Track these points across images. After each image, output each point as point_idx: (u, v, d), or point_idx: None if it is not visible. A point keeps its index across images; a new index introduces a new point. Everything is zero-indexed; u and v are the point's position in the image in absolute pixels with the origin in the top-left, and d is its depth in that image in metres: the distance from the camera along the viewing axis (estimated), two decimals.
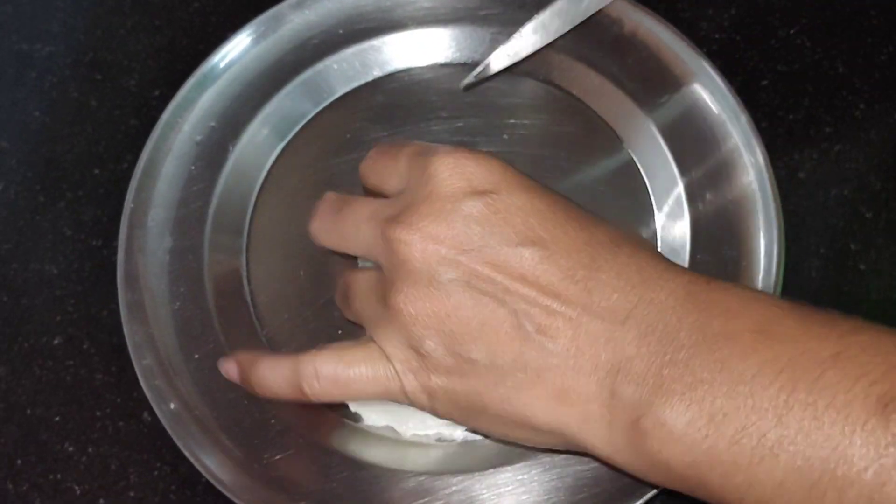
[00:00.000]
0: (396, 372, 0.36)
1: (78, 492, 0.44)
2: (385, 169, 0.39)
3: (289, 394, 0.40)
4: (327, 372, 0.37)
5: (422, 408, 0.37)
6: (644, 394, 0.31)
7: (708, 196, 0.48)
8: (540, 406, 0.33)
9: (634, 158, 0.50)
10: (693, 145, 0.49)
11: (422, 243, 0.34)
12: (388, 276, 0.36)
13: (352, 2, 0.54)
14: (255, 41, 0.53)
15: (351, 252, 0.40)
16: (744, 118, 0.48)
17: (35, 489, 0.44)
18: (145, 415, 0.46)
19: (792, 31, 0.54)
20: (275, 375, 0.39)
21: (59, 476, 0.45)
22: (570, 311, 0.33)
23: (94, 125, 0.54)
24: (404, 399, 0.37)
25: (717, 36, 0.54)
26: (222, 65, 0.52)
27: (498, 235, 0.34)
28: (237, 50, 0.52)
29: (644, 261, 0.34)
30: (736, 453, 0.29)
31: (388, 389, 0.37)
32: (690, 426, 0.30)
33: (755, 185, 0.47)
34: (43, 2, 0.58)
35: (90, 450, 0.45)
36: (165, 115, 0.50)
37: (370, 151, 0.41)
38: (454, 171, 0.35)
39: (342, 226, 0.39)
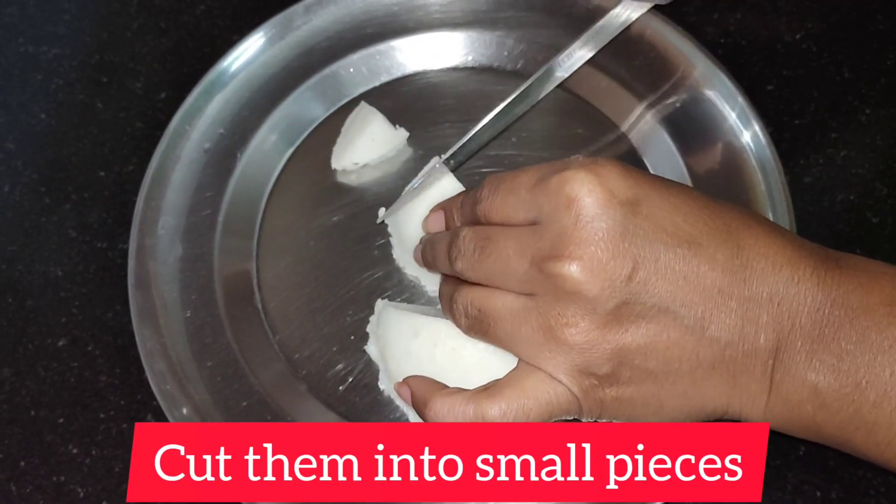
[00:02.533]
0: (574, 394, 0.36)
1: (81, 494, 0.44)
2: (508, 206, 0.37)
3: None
4: (514, 409, 0.37)
5: (591, 418, 0.38)
6: (800, 369, 0.34)
7: (714, 186, 0.48)
8: (714, 394, 0.36)
9: (644, 160, 0.50)
10: (703, 146, 0.49)
11: (586, 273, 0.34)
12: (551, 307, 0.35)
13: (360, 6, 0.54)
14: (263, 47, 0.53)
15: (502, 287, 0.37)
16: (754, 122, 0.49)
17: (38, 491, 0.44)
18: (149, 417, 0.46)
19: (798, 37, 0.54)
20: (454, 415, 0.38)
21: (62, 478, 0.45)
22: (734, 303, 0.34)
23: (99, 127, 0.54)
24: (578, 415, 0.37)
25: (722, 40, 0.55)
26: (230, 71, 0.52)
27: (654, 242, 0.34)
28: (245, 56, 0.53)
29: (778, 239, 0.36)
30: (878, 415, 0.34)
31: (566, 410, 0.37)
32: (839, 393, 0.34)
33: (763, 187, 0.47)
34: (49, 4, 0.59)
35: (94, 452, 0.45)
36: (174, 122, 0.50)
37: (482, 192, 0.39)
38: (593, 186, 0.34)
39: (488, 264, 0.37)
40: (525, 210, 0.37)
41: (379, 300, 0.47)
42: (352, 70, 0.53)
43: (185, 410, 0.43)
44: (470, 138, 0.48)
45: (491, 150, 0.50)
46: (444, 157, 0.47)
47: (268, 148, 0.51)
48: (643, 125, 0.51)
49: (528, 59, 0.53)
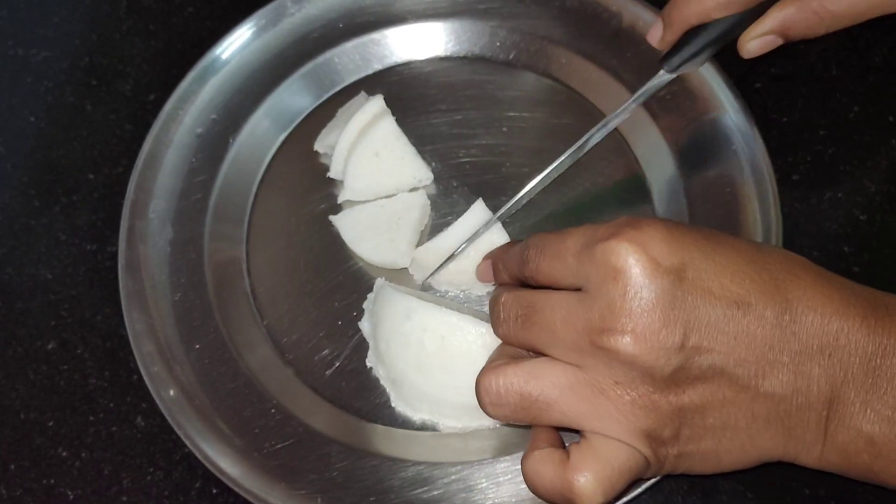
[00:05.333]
0: (645, 457, 0.36)
1: (71, 497, 0.44)
2: (554, 271, 0.38)
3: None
4: (602, 480, 0.35)
5: (652, 476, 0.38)
6: (855, 420, 0.35)
7: (703, 182, 0.48)
8: (769, 445, 0.36)
9: (633, 151, 0.51)
10: (691, 137, 0.50)
11: (639, 346, 0.34)
12: (604, 377, 0.35)
13: None
14: (256, 34, 0.53)
15: (544, 353, 0.37)
16: (743, 113, 0.49)
17: (28, 494, 0.44)
18: (139, 420, 0.46)
19: None
20: (541, 480, 0.36)
21: (52, 481, 0.44)
22: (785, 357, 0.34)
23: (89, 130, 0.54)
24: (646, 475, 0.37)
25: None
26: (223, 57, 0.53)
27: (703, 307, 0.34)
28: (238, 43, 0.53)
29: (826, 288, 0.35)
30: None
31: (641, 473, 0.36)
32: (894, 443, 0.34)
33: (753, 188, 0.47)
34: (39, 7, 0.59)
35: (83, 454, 0.45)
36: (167, 107, 0.51)
37: (528, 253, 0.39)
38: (639, 256, 0.34)
39: (533, 332, 0.37)
40: (572, 277, 0.36)
41: (378, 279, 0.47)
42: (344, 59, 0.54)
43: (171, 392, 0.44)
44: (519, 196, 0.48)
45: (481, 139, 0.51)
46: (497, 215, 0.47)
47: (260, 134, 0.52)
48: (632, 116, 0.50)
49: (520, 50, 0.53)
